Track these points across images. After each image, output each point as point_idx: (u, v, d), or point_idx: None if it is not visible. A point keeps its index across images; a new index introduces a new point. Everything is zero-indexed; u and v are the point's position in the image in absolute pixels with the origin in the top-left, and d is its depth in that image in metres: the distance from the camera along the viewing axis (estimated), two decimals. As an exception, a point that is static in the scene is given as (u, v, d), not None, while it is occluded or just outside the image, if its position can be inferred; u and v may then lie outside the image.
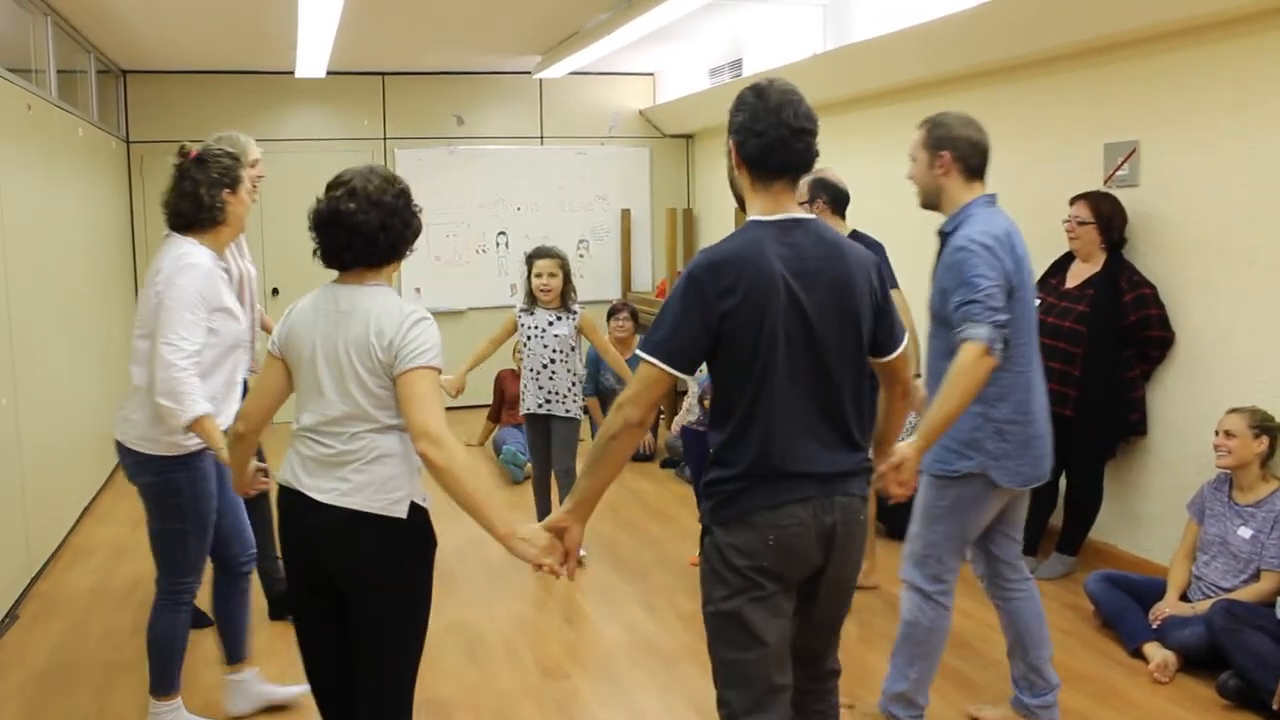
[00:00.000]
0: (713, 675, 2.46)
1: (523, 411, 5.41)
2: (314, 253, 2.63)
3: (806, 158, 2.40)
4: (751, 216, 2.43)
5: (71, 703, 3.85)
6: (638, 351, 2.41)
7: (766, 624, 2.37)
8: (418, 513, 2.59)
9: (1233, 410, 4.04)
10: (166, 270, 3.25)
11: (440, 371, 2.55)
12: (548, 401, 5.28)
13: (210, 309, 3.27)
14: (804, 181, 4.43)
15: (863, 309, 2.42)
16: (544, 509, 5.50)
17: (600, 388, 7.46)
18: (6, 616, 4.55)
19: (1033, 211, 4.63)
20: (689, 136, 9.67)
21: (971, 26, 5.12)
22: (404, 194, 2.63)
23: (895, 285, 4.38)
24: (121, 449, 3.37)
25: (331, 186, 2.61)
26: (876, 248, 4.37)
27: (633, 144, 9.60)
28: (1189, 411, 4.54)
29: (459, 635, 4.41)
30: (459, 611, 4.66)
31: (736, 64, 7.92)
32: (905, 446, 2.84)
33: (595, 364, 7.47)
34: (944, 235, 3.17)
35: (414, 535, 2.60)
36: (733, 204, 8.18)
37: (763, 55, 7.51)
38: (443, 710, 3.76)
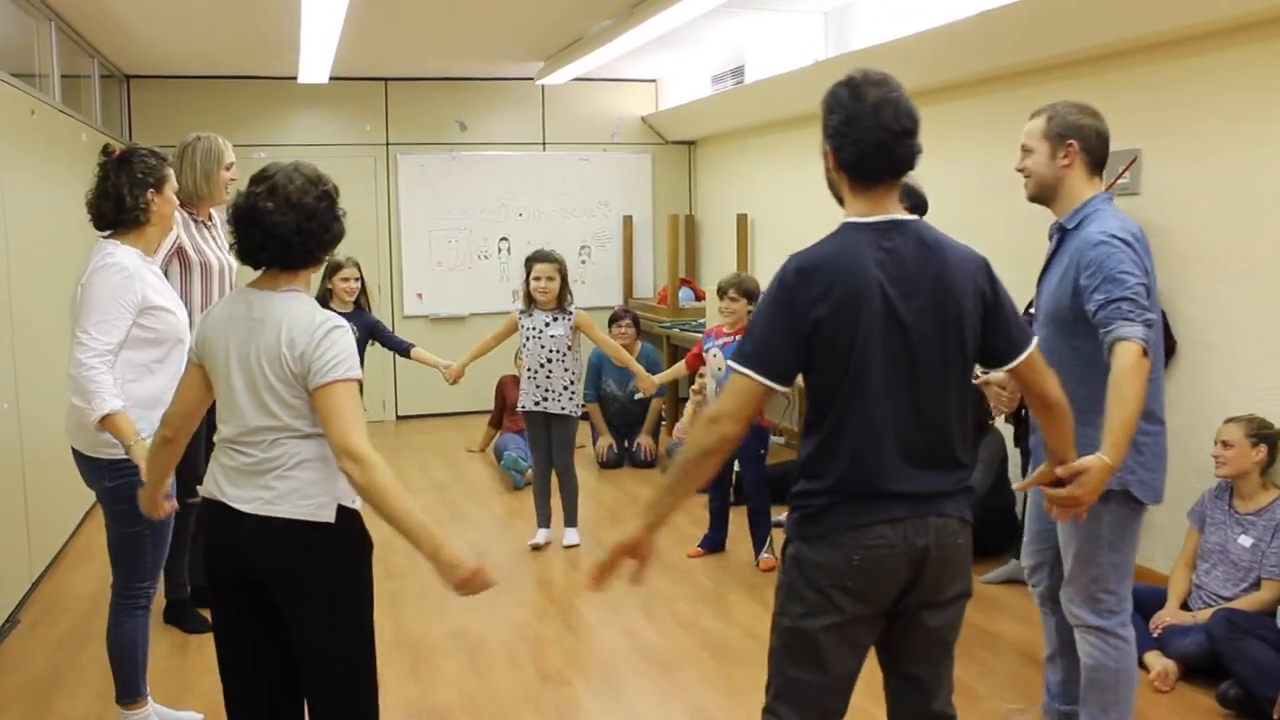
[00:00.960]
0: (768, 683, 2.37)
1: (519, 408, 5.49)
2: (230, 248, 2.53)
3: (908, 159, 2.27)
4: (847, 219, 2.30)
5: (73, 707, 3.85)
6: (729, 363, 2.28)
7: (837, 653, 2.27)
8: (346, 515, 2.53)
9: (1230, 419, 4.03)
10: (88, 271, 3.25)
11: (359, 381, 2.46)
12: (544, 399, 5.36)
13: (140, 309, 3.26)
14: None
15: (966, 316, 2.26)
16: (544, 510, 5.56)
17: (601, 393, 7.47)
18: (8, 620, 4.55)
19: (1032, 220, 4.62)
20: (691, 143, 9.68)
21: (972, 35, 5.13)
22: (327, 195, 2.52)
23: None
24: (79, 456, 3.34)
25: (254, 181, 2.50)
26: None
27: (635, 150, 9.61)
28: (1189, 420, 4.53)
29: (459, 642, 4.41)
30: (459, 618, 4.66)
31: (738, 71, 7.93)
32: (1091, 459, 2.61)
33: (596, 370, 7.48)
34: (1063, 231, 3.00)
35: (344, 538, 2.53)
36: (735, 211, 8.28)
37: (765, 63, 7.52)
38: (443, 717, 3.76)
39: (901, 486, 2.23)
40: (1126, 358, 2.68)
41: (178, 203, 3.52)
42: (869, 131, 2.22)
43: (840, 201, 2.37)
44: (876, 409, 2.21)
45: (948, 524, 2.28)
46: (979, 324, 2.30)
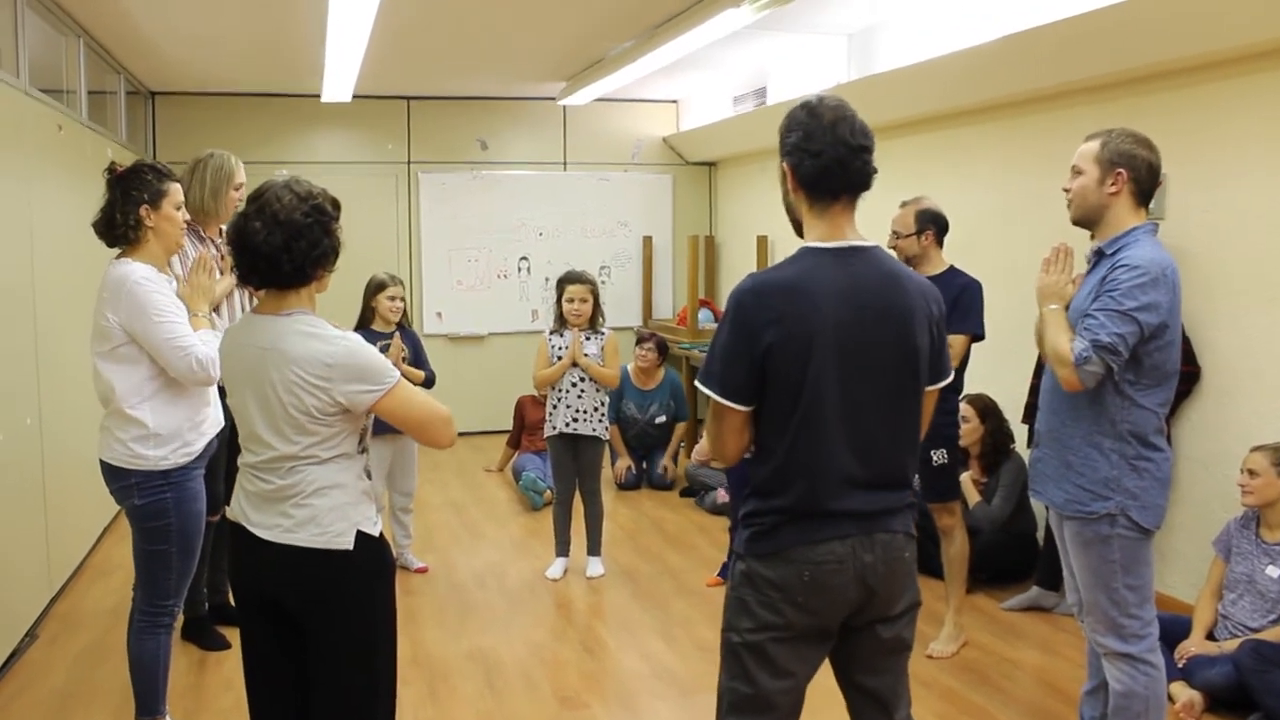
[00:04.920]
0: (718, 701, 2.41)
1: (549, 433, 5.39)
2: (231, 268, 2.57)
3: (865, 175, 2.30)
4: (806, 243, 2.33)
5: (89, 724, 3.85)
6: (696, 383, 2.37)
7: (785, 665, 2.32)
8: (366, 541, 2.52)
9: (1256, 448, 3.98)
10: (110, 299, 3.27)
11: (398, 378, 2.49)
12: (575, 420, 5.29)
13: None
14: (910, 211, 4.37)
15: (920, 344, 2.32)
16: (564, 538, 5.50)
17: (621, 415, 7.44)
18: (26, 635, 4.55)
19: (1051, 244, 4.61)
20: (712, 164, 9.69)
21: (996, 59, 5.12)
22: (317, 210, 2.48)
23: (976, 331, 4.28)
24: (109, 471, 3.35)
25: (248, 201, 2.51)
26: (974, 287, 4.30)
27: (656, 171, 9.62)
28: (1214, 447, 4.50)
29: (477, 663, 4.39)
30: (477, 639, 4.64)
31: (760, 92, 7.94)
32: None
33: (618, 393, 7.45)
34: (1100, 255, 3.03)
35: (363, 565, 2.53)
36: (755, 233, 8.25)
37: (787, 84, 7.52)
38: (460, 738, 3.74)
39: (850, 506, 2.28)
40: (1068, 351, 2.89)
41: (183, 217, 3.48)
42: (828, 146, 2.26)
43: (796, 228, 2.40)
44: (829, 435, 2.26)
45: (894, 540, 2.33)
46: (929, 351, 2.35)
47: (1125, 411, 2.92)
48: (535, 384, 5.47)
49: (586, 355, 5.27)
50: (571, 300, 5.28)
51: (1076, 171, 3.06)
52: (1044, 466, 3.11)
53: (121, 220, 3.31)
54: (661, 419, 7.45)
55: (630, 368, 7.41)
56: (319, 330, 2.48)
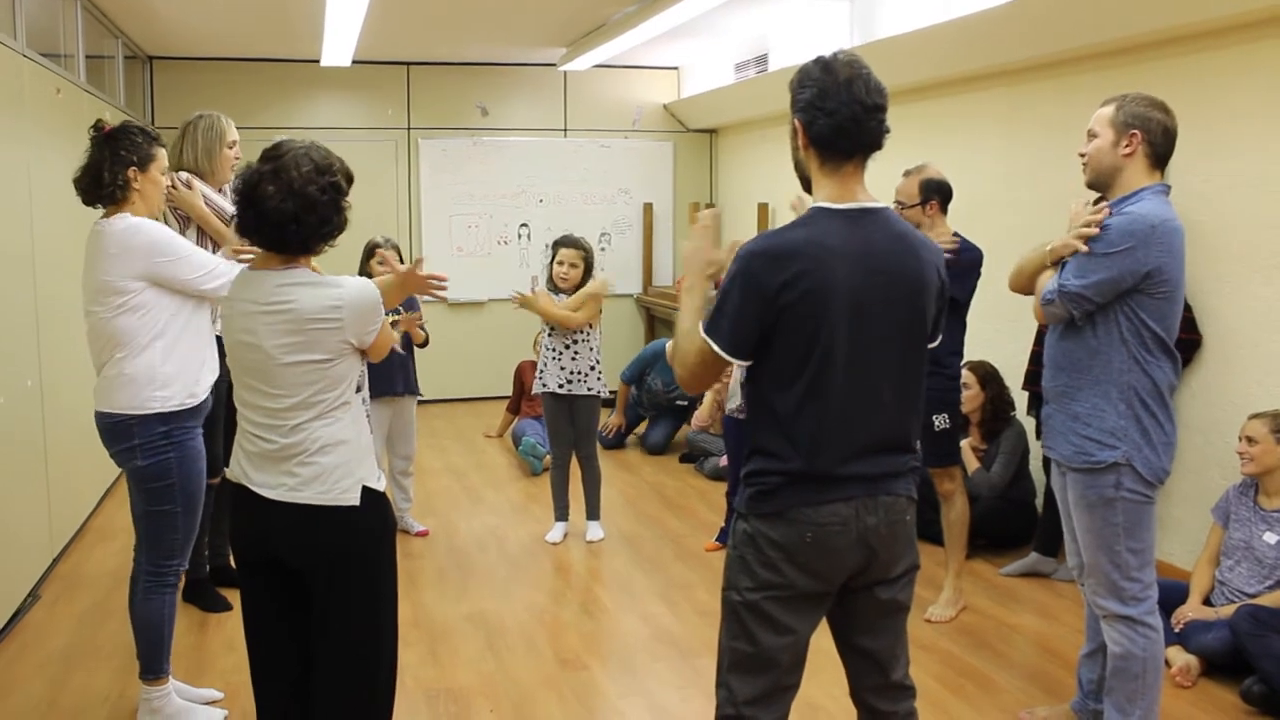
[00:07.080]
0: (718, 660, 2.40)
1: (538, 389, 5.41)
2: (231, 218, 2.58)
3: (879, 135, 2.26)
4: (818, 203, 2.28)
5: (92, 683, 3.86)
6: (702, 333, 2.32)
7: (785, 624, 2.30)
8: (371, 497, 2.53)
9: (1254, 416, 3.99)
10: (120, 254, 3.26)
11: (384, 316, 2.53)
12: (569, 381, 5.31)
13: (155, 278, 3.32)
14: (914, 180, 4.35)
15: (929, 306, 2.31)
16: (563, 502, 5.52)
17: (644, 383, 7.44)
18: (29, 597, 4.57)
19: (1054, 211, 4.60)
20: (713, 131, 9.64)
21: (998, 25, 5.09)
22: (333, 187, 2.46)
23: (964, 300, 4.27)
24: (112, 428, 3.33)
25: (264, 158, 2.47)
26: (973, 256, 4.29)
27: (656, 138, 9.59)
28: (1213, 415, 4.51)
29: (478, 625, 4.41)
30: (478, 601, 4.67)
31: (762, 59, 7.89)
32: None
33: (648, 361, 7.42)
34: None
35: (369, 520, 2.53)
36: (756, 200, 8.24)
37: (789, 50, 7.48)
38: (461, 699, 3.76)
39: (856, 469, 2.26)
40: (1044, 281, 3.07)
41: (166, 183, 3.49)
42: (843, 105, 2.22)
43: (805, 185, 2.37)
44: (837, 398, 2.23)
45: (896, 502, 2.32)
46: (936, 313, 2.35)
47: (1131, 366, 2.95)
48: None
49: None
50: (561, 263, 5.30)
51: (1092, 135, 3.06)
52: (1054, 422, 3.14)
53: (110, 179, 3.30)
54: (684, 402, 7.48)
55: (668, 345, 7.41)
56: (319, 279, 2.49)
